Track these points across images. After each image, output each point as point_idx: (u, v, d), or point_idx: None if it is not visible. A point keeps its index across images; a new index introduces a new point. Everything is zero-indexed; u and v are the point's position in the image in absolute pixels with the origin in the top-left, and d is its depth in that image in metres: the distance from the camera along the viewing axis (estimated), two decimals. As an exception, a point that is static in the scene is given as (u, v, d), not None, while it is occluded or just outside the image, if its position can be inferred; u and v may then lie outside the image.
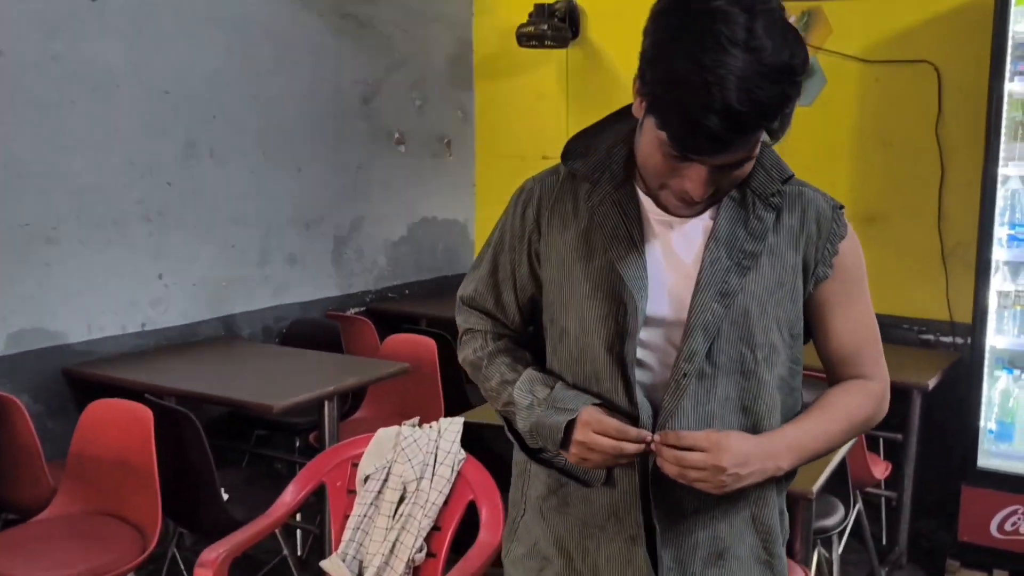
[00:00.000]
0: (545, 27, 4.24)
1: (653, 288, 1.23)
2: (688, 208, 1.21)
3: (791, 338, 1.27)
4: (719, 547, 1.28)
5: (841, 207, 1.31)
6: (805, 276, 1.26)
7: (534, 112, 4.66)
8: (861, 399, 1.30)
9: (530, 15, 4.30)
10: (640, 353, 1.24)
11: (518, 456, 1.42)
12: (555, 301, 1.32)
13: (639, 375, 1.24)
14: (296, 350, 3.43)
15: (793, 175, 1.26)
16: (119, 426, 2.50)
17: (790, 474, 1.33)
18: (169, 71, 3.29)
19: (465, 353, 1.45)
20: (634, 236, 1.23)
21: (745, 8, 1.04)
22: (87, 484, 2.55)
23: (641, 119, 1.17)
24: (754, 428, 1.24)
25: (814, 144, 3.95)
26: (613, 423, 1.20)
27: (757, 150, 1.14)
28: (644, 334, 1.24)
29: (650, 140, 1.13)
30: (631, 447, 1.18)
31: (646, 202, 1.26)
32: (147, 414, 2.44)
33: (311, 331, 3.69)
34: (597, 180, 1.27)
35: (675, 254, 1.24)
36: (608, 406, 1.24)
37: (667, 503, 1.25)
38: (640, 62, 1.12)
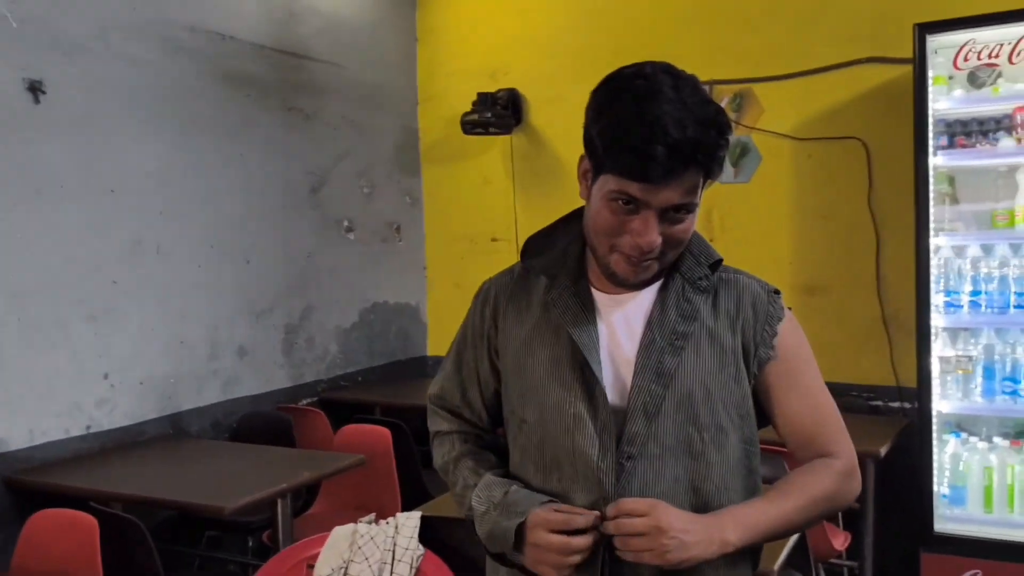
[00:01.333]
0: (489, 115, 4.34)
1: (603, 376, 1.28)
2: (636, 271, 1.26)
3: (739, 419, 1.30)
4: None
5: (776, 291, 1.37)
6: (747, 359, 1.30)
7: (481, 195, 4.74)
8: (821, 476, 1.30)
9: (474, 103, 4.41)
10: (579, 436, 1.28)
11: (489, 561, 1.42)
12: (513, 392, 1.37)
13: None
14: (247, 446, 3.35)
15: (721, 260, 1.34)
16: (63, 537, 2.40)
17: (755, 559, 1.34)
18: (115, 170, 3.28)
19: (436, 458, 1.50)
20: (591, 324, 1.30)
21: (671, 76, 1.21)
22: (28, 601, 2.43)
23: (589, 191, 1.27)
24: (705, 508, 1.26)
25: (757, 219, 4.08)
26: (559, 517, 1.22)
27: (698, 198, 1.22)
28: (581, 421, 1.28)
29: (600, 201, 1.23)
30: (579, 541, 1.20)
31: (597, 296, 1.33)
32: (92, 523, 2.35)
33: (262, 425, 3.62)
34: (555, 275, 1.35)
35: (619, 343, 1.30)
36: (565, 498, 1.27)
37: None
38: (585, 135, 1.25)
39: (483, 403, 1.45)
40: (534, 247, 1.39)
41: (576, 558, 1.20)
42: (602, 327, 1.31)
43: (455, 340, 1.49)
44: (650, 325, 1.29)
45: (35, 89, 3.02)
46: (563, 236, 1.38)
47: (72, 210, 3.14)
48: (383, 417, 3.72)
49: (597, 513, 1.21)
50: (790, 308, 1.39)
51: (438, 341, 4.87)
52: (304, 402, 4.07)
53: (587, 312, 1.31)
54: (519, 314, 1.37)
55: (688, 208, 1.22)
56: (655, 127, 1.15)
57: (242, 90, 3.82)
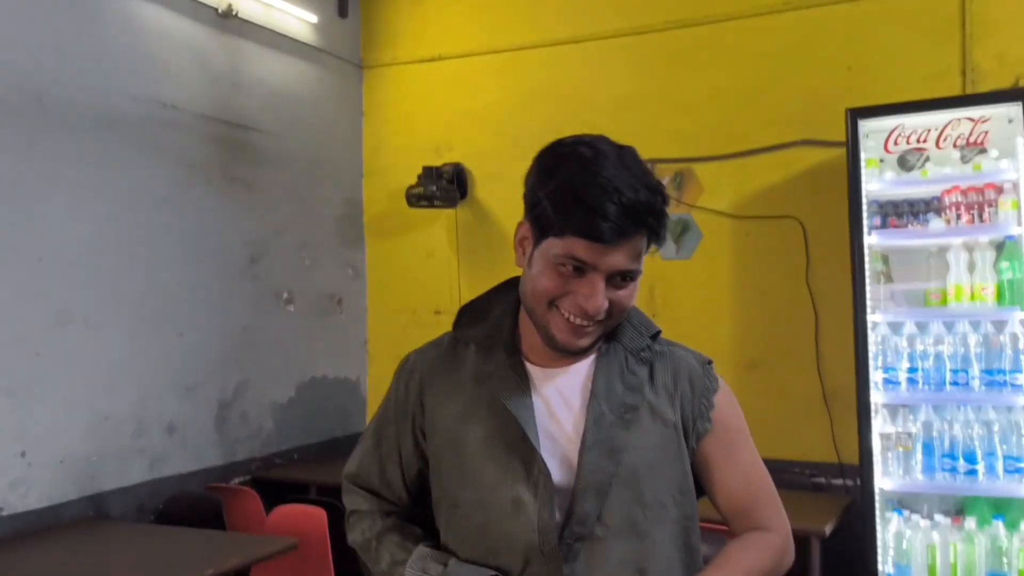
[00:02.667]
0: (434, 188, 4.34)
1: (551, 454, 1.23)
2: (577, 337, 1.22)
3: (681, 496, 1.27)
4: None
5: (709, 362, 1.36)
6: (686, 433, 1.29)
7: (425, 268, 4.70)
8: (759, 552, 1.28)
9: (419, 177, 4.41)
10: (510, 522, 1.23)
11: None
12: (445, 473, 1.31)
13: None
14: (173, 529, 3.18)
15: (660, 332, 1.33)
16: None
17: None
18: (43, 238, 3.16)
19: (354, 535, 1.41)
20: (527, 396, 1.26)
21: (613, 144, 1.24)
22: None
23: (529, 257, 1.24)
24: None
25: (697, 295, 4.12)
26: None
27: (641, 266, 1.22)
28: (521, 506, 1.23)
29: (544, 265, 1.20)
30: None
31: (531, 369, 1.29)
32: (-4, 618, 2.17)
33: (190, 507, 3.44)
34: (490, 347, 1.30)
35: (557, 417, 1.26)
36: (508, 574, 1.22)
37: None
38: (530, 199, 1.23)
39: (403, 483, 1.38)
40: (467, 317, 1.36)
41: None
42: (537, 401, 1.27)
43: (375, 415, 1.43)
44: (596, 397, 1.25)
45: (-39, 154, 2.91)
46: (497, 306, 1.35)
47: (-5, 279, 3.00)
48: (319, 497, 3.58)
49: None
50: (721, 376, 1.38)
51: (378, 417, 4.74)
52: (236, 481, 3.89)
53: (523, 384, 1.27)
54: (449, 390, 1.32)
55: (633, 275, 1.22)
56: (608, 187, 1.15)
57: (182, 159, 3.75)
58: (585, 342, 1.24)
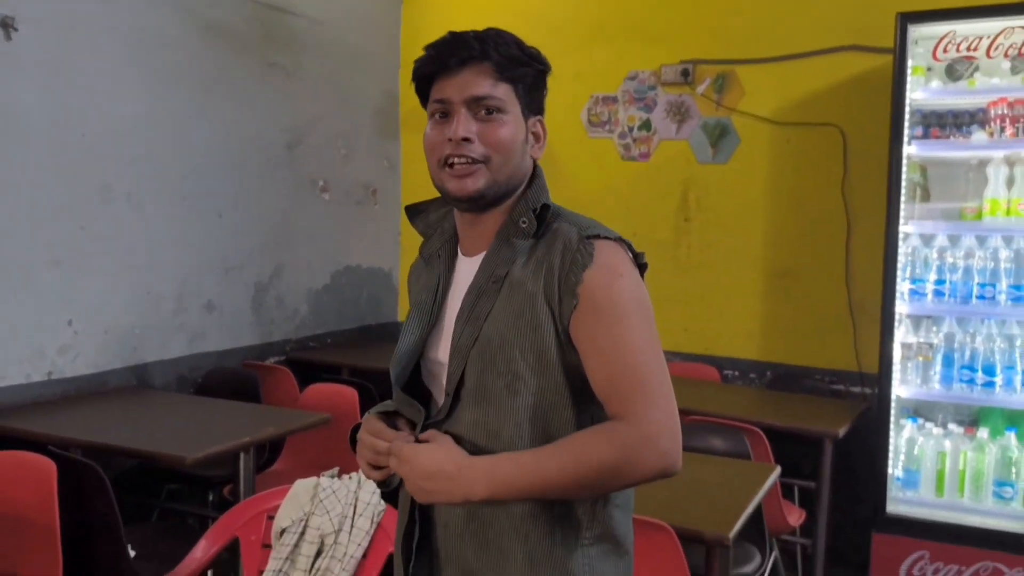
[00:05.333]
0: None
1: (446, 327, 1.35)
2: (463, 181, 1.29)
3: (540, 366, 1.25)
4: (467, 566, 1.31)
5: (592, 237, 1.26)
6: (550, 306, 1.25)
7: (459, 164, 4.71)
8: (599, 440, 1.18)
9: (456, 69, 4.37)
10: (435, 384, 1.37)
11: None
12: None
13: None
14: (212, 400, 3.33)
15: (547, 206, 1.32)
16: (18, 479, 2.37)
17: (574, 525, 1.29)
18: (86, 113, 3.22)
19: None
20: (450, 273, 1.39)
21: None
22: (-19, 542, 2.40)
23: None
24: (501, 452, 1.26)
25: (733, 201, 4.10)
26: (378, 427, 1.33)
27: (505, 100, 1.29)
28: (436, 368, 1.36)
29: (426, 131, 1.34)
30: (381, 444, 1.29)
31: (460, 256, 1.39)
32: (49, 466, 2.32)
33: (228, 381, 3.60)
34: (430, 236, 1.46)
35: (458, 294, 1.36)
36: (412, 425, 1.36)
37: (424, 511, 1.35)
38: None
39: None
40: (416, 209, 1.50)
41: (382, 460, 1.29)
42: (454, 279, 1.38)
43: None
44: (479, 271, 1.33)
45: (6, 25, 2.95)
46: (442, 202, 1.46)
47: (41, 152, 3.08)
48: (351, 378, 3.72)
49: (393, 442, 1.28)
50: (642, 254, 1.31)
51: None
52: (272, 360, 4.05)
53: (444, 274, 1.39)
54: (419, 273, 1.48)
55: (498, 107, 1.28)
56: (450, 35, 1.31)
57: (221, 41, 3.76)
58: (471, 183, 1.29)
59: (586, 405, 1.27)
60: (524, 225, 1.30)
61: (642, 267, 1.30)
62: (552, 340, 1.25)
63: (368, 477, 1.36)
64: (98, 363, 3.32)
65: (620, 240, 1.28)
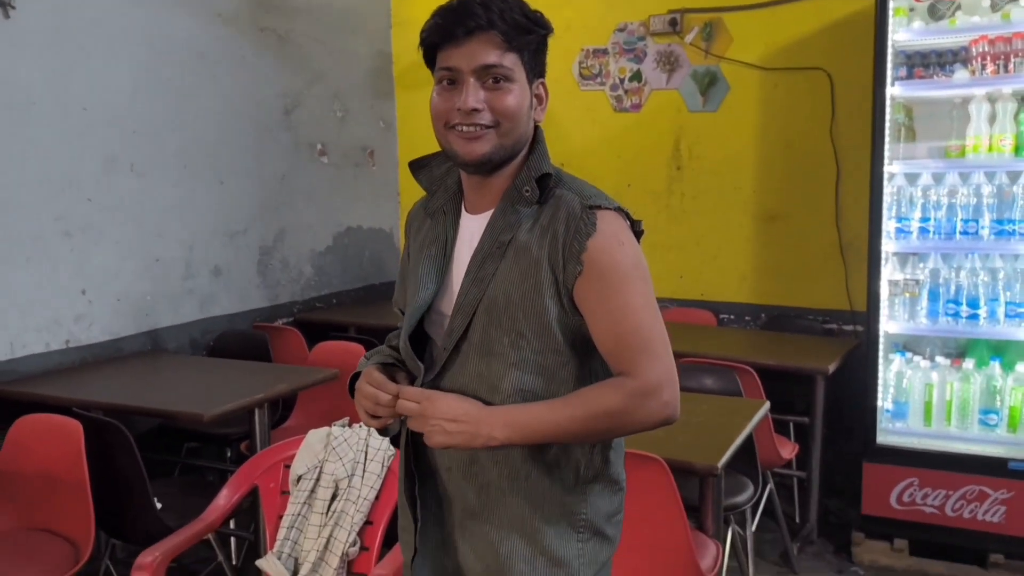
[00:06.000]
0: (462, 39, 4.34)
1: (453, 283, 1.41)
2: (471, 145, 1.32)
3: (541, 328, 1.33)
4: (470, 506, 1.41)
5: (594, 207, 1.33)
6: (555, 273, 1.32)
7: (454, 121, 4.77)
8: (608, 392, 1.28)
9: (447, 27, 4.41)
10: (436, 333, 1.43)
11: None
12: (400, 290, 1.56)
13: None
14: (224, 361, 3.46)
15: (549, 173, 1.38)
16: (48, 440, 2.51)
17: (566, 470, 1.39)
18: (87, 87, 3.30)
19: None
20: (455, 231, 1.43)
21: None
22: (16, 500, 2.55)
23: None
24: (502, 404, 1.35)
25: (724, 148, 4.17)
26: (379, 378, 1.37)
27: (513, 68, 1.31)
28: (440, 318, 1.42)
29: (433, 95, 1.35)
30: (384, 396, 1.34)
31: (464, 214, 1.43)
32: (76, 427, 2.46)
33: (239, 343, 3.72)
34: (434, 192, 1.49)
35: (463, 253, 1.41)
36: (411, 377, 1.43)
37: (422, 457, 1.44)
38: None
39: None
40: (420, 163, 1.50)
41: (382, 411, 1.36)
42: (458, 238, 1.43)
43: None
44: (486, 233, 1.39)
45: (4, 3, 3.01)
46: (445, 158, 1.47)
47: (45, 126, 3.16)
48: (358, 336, 3.83)
49: (396, 392, 1.35)
50: (640, 222, 1.38)
51: (411, 265, 4.94)
52: (280, 322, 4.17)
53: (449, 231, 1.43)
54: (419, 226, 1.51)
55: (505, 76, 1.31)
56: (448, 4, 1.31)
57: (213, 8, 3.81)
58: (480, 147, 1.33)
59: (584, 363, 1.37)
60: (527, 193, 1.35)
61: (639, 234, 1.39)
62: (554, 303, 1.32)
63: (367, 425, 1.44)
64: (113, 330, 3.44)
65: (619, 209, 1.36)
